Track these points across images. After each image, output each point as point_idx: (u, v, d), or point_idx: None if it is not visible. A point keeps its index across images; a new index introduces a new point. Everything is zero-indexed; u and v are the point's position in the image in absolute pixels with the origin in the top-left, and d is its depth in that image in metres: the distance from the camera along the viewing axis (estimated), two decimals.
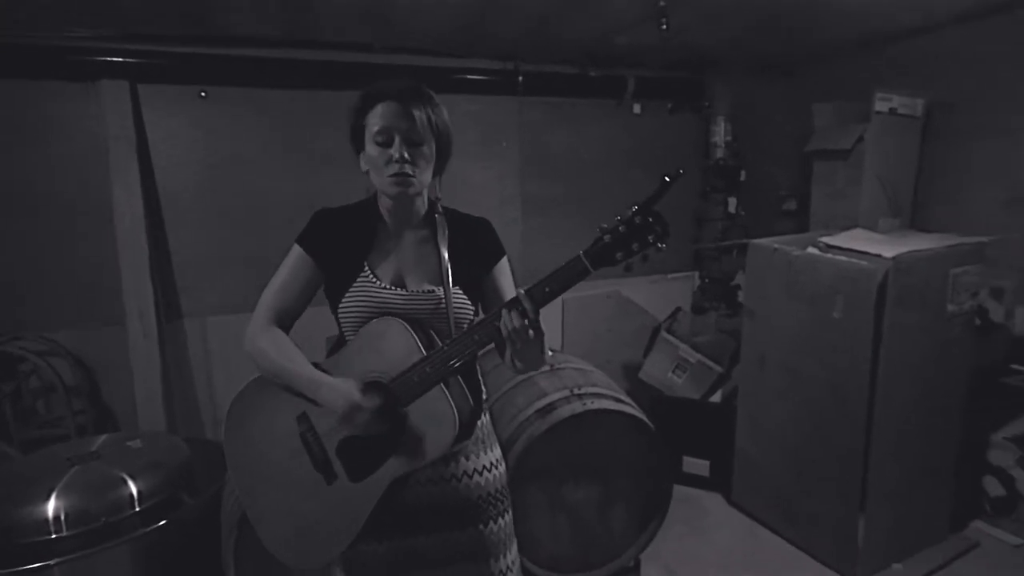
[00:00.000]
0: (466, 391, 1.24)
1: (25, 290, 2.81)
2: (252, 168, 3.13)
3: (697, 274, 4.04)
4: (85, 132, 2.81)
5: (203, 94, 3.00)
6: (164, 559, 1.92)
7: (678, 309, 3.80)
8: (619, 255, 1.06)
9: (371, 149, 1.22)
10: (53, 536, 1.76)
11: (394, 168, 1.21)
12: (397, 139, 1.21)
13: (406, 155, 1.21)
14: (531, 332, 1.11)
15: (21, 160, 2.74)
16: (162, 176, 2.99)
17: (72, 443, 2.27)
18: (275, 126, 3.15)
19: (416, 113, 1.20)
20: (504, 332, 1.11)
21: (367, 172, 1.27)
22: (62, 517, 1.77)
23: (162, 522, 1.89)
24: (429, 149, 1.24)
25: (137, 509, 1.88)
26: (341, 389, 1.17)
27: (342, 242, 1.30)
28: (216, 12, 2.53)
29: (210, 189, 3.08)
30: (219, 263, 3.13)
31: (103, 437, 2.17)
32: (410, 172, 1.22)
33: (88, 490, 1.85)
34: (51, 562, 1.70)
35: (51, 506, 1.77)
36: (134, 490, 1.89)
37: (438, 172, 1.30)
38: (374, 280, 1.27)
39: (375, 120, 1.21)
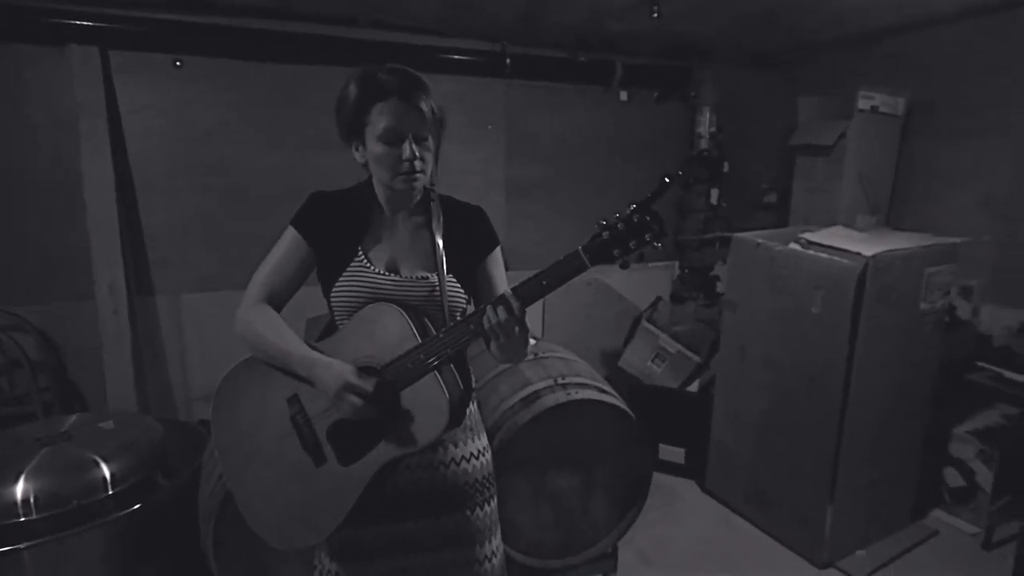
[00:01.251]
0: (458, 379, 1.23)
1: None
2: (230, 143, 3.03)
3: (677, 264, 4.07)
4: (53, 100, 2.69)
5: (178, 63, 2.90)
6: (139, 542, 1.88)
7: (659, 298, 3.84)
8: (616, 252, 1.06)
9: (376, 147, 1.20)
10: (23, 519, 1.70)
11: (405, 167, 1.20)
12: (408, 138, 1.19)
13: (417, 153, 1.19)
14: (516, 329, 1.11)
15: None
16: (135, 148, 2.88)
17: (41, 423, 2.20)
18: (254, 100, 3.05)
19: (423, 107, 1.19)
20: (487, 327, 1.10)
21: (365, 164, 1.25)
22: (32, 500, 1.71)
23: (137, 505, 1.84)
24: (433, 141, 1.23)
25: (111, 492, 1.83)
26: (335, 369, 1.15)
27: (337, 226, 1.27)
28: None
29: (185, 163, 2.98)
30: (194, 239, 3.04)
31: (74, 417, 2.10)
32: (419, 168, 1.21)
33: (59, 472, 1.79)
34: (21, 546, 1.65)
35: (20, 488, 1.71)
36: (107, 472, 1.84)
37: (436, 158, 1.28)
38: (368, 265, 1.25)
39: (380, 119, 1.18)
